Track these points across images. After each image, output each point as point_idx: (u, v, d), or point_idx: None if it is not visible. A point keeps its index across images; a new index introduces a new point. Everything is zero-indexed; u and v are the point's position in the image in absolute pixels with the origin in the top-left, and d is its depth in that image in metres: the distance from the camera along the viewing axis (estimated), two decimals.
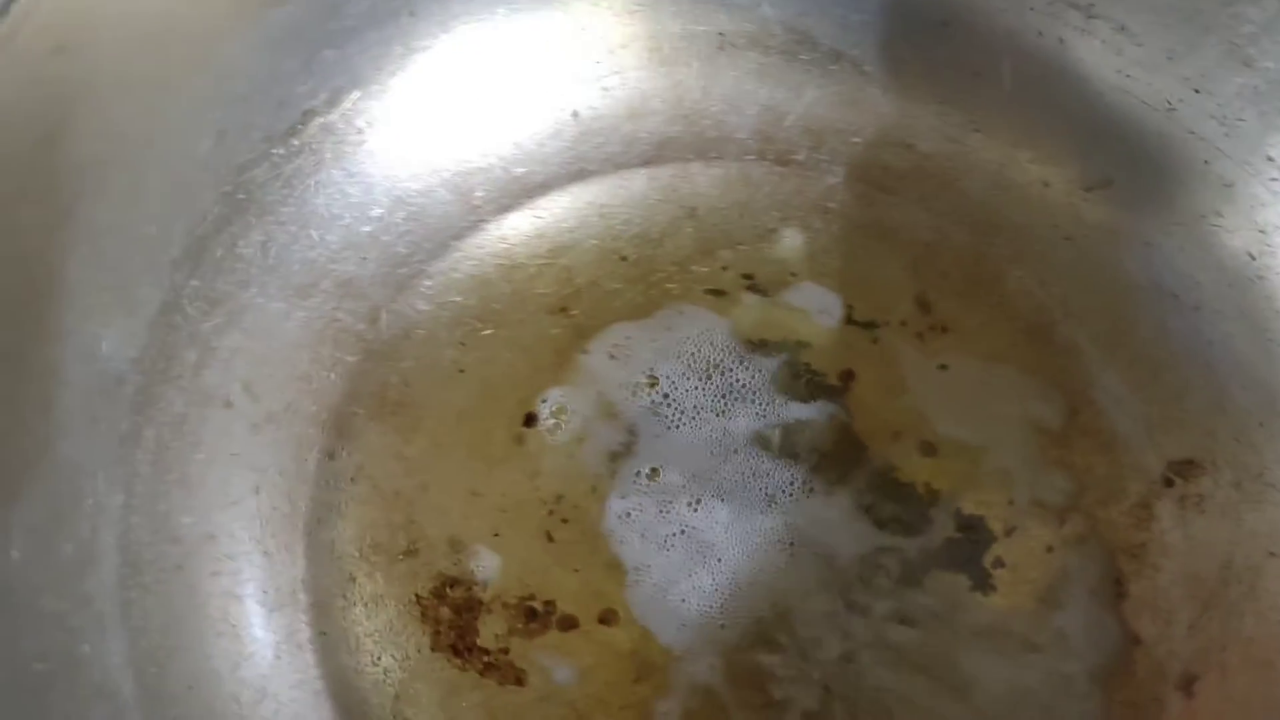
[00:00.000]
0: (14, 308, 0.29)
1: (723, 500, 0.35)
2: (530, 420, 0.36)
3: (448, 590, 0.34)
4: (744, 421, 0.36)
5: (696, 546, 0.35)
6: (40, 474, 0.29)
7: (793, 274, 0.39)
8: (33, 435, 0.29)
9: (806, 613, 0.34)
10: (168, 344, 0.33)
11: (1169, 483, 0.36)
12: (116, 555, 0.30)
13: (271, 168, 0.35)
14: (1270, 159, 0.36)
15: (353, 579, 0.34)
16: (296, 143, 0.36)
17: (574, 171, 0.40)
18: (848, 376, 0.37)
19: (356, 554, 0.34)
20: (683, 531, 0.35)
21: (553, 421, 0.36)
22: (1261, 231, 0.36)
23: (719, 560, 0.35)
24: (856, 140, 0.40)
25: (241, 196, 0.35)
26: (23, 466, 0.28)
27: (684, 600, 0.34)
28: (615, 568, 0.34)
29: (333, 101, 0.36)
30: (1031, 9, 0.38)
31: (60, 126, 0.29)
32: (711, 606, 0.34)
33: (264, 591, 0.33)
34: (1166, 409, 0.37)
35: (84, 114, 0.30)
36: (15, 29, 0.28)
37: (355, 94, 0.37)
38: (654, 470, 0.36)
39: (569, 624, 0.34)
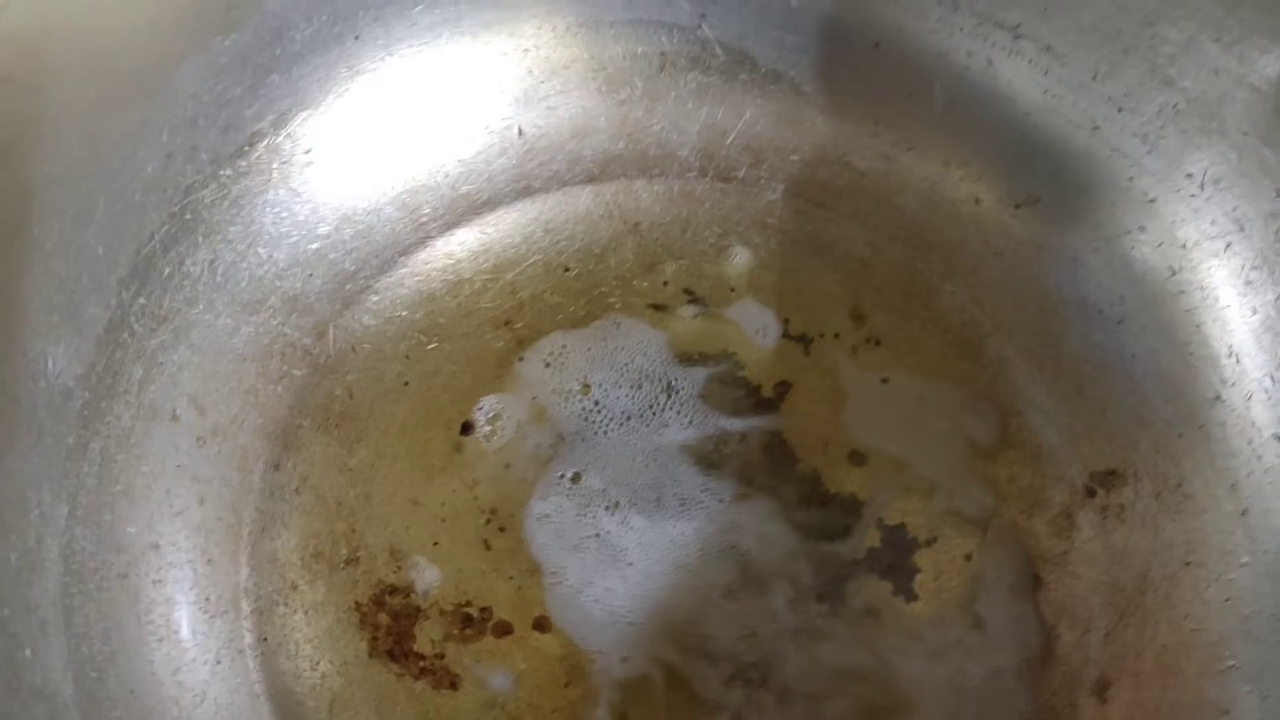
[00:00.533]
0: None
1: (637, 506, 0.36)
2: (467, 428, 0.37)
3: (387, 598, 0.35)
4: (673, 432, 0.37)
5: (610, 550, 0.36)
6: None
7: (732, 289, 0.40)
8: None
9: (724, 616, 0.35)
10: (115, 360, 0.34)
11: (1091, 493, 0.37)
12: (60, 564, 0.31)
13: (219, 188, 0.37)
14: (1190, 176, 0.37)
15: (294, 587, 0.35)
16: (244, 164, 0.37)
17: (520, 189, 0.41)
18: (782, 389, 0.38)
19: (299, 562, 0.36)
20: (597, 535, 0.36)
21: (488, 428, 0.37)
22: (1182, 247, 0.37)
23: (630, 564, 0.36)
24: (795, 158, 0.42)
25: (189, 216, 0.36)
26: None
27: (597, 601, 0.35)
28: (534, 571, 0.36)
29: (279, 124, 0.38)
30: (961, 31, 0.39)
31: (8, 151, 0.30)
32: (623, 608, 0.35)
33: (206, 599, 0.34)
34: (1090, 420, 0.38)
35: (32, 138, 0.31)
36: None
37: (302, 115, 0.38)
38: (576, 475, 0.37)
39: (504, 630, 0.36)
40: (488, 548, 0.36)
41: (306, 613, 0.35)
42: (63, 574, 0.31)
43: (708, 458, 0.37)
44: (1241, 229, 0.36)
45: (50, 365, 0.32)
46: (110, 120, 0.34)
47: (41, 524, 0.31)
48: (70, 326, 0.33)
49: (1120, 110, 0.38)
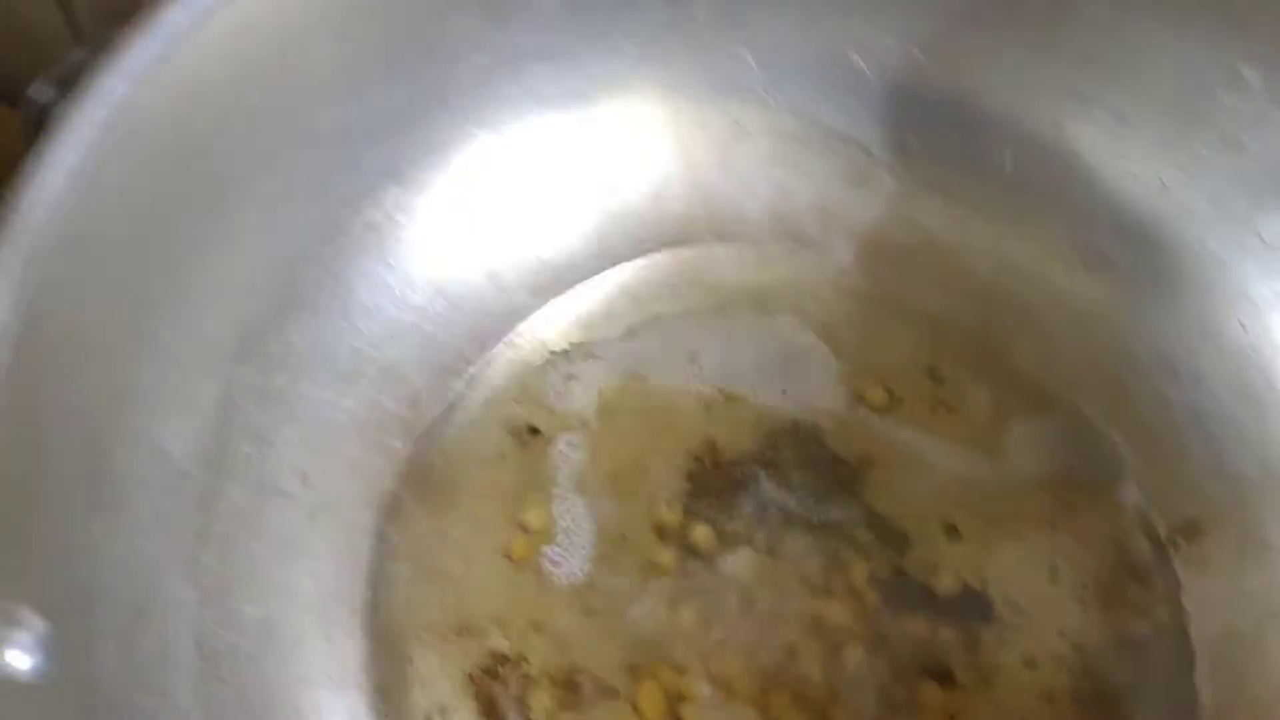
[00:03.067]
0: (91, 418, 0.30)
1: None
2: None
3: (499, 667, 0.36)
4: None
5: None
6: (122, 576, 0.30)
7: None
8: (116, 538, 0.30)
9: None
10: (226, 439, 0.35)
11: (1174, 545, 0.38)
12: (193, 650, 0.32)
13: (319, 264, 0.37)
14: (1260, 237, 0.38)
15: (409, 659, 0.36)
16: (343, 240, 0.38)
17: (603, 257, 0.42)
18: (863, 460, 0.39)
19: (410, 634, 0.36)
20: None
21: None
22: (1254, 304, 0.39)
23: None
24: (865, 219, 0.43)
25: (293, 294, 0.36)
26: (108, 569, 0.30)
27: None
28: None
29: (375, 199, 0.38)
30: (1030, 95, 0.40)
31: (136, 236, 0.31)
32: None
33: (327, 675, 0.34)
34: (1167, 475, 0.39)
35: (154, 223, 0.32)
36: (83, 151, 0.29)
37: (395, 191, 0.39)
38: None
39: (611, 694, 0.36)
40: (589, 614, 0.37)
41: (422, 684, 0.35)
42: (196, 660, 0.32)
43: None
44: None
45: (166, 446, 0.33)
46: (216, 208, 0.34)
47: (175, 610, 0.32)
48: (184, 408, 0.33)
49: (1190, 175, 0.39)
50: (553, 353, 0.40)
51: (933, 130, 0.42)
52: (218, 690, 0.32)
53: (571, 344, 0.41)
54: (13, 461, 0.25)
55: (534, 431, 0.39)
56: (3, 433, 0.25)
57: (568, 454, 0.39)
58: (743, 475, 0.39)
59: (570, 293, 0.41)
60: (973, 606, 0.37)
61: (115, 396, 0.31)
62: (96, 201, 0.27)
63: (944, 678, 0.37)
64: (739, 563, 0.38)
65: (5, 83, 0.44)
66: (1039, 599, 0.38)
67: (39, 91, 0.41)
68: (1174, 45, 0.38)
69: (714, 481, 0.39)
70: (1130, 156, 0.40)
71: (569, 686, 0.36)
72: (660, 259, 0.42)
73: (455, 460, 0.39)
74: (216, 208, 0.32)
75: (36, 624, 0.25)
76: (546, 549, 0.38)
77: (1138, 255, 0.40)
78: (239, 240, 0.34)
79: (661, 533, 0.38)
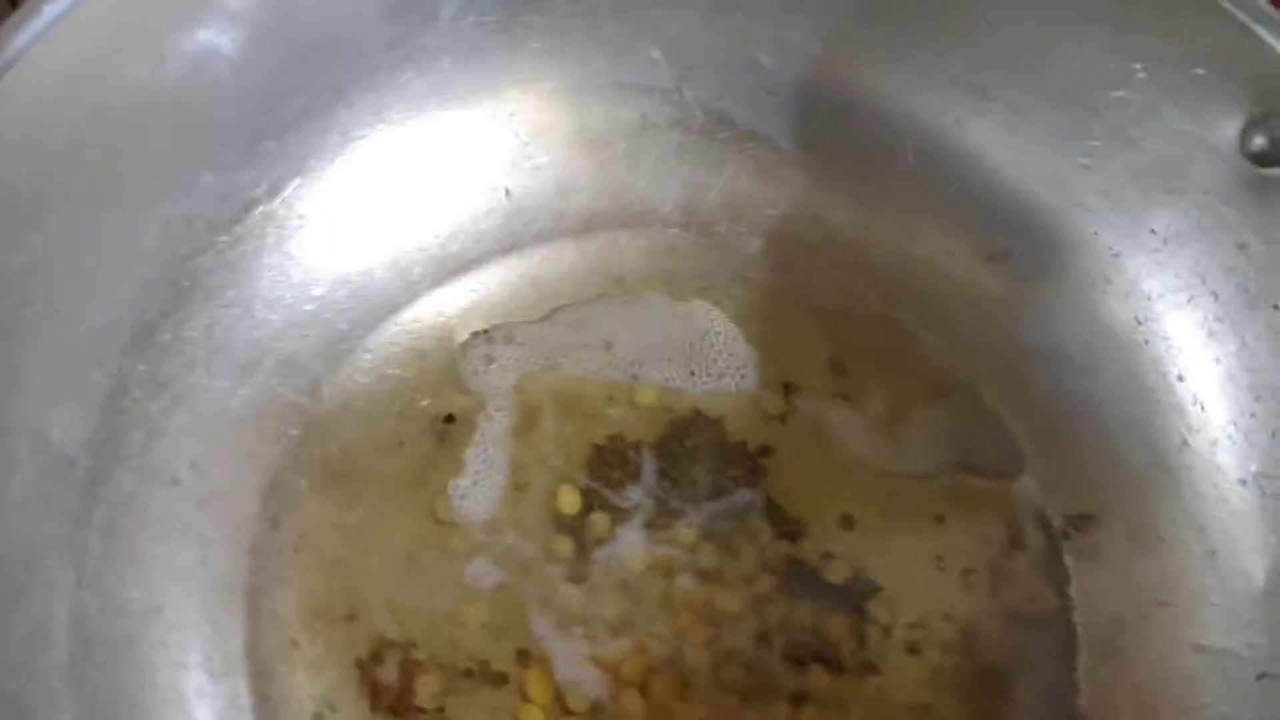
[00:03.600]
0: None
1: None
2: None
3: (386, 653, 0.36)
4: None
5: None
6: None
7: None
8: None
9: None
10: (117, 427, 0.35)
11: (1066, 535, 0.39)
12: (68, 632, 0.32)
13: (216, 255, 0.37)
14: (1153, 231, 0.39)
15: (295, 644, 0.36)
16: (239, 230, 0.38)
17: (507, 246, 0.42)
18: (763, 449, 0.40)
19: (298, 620, 0.36)
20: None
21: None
22: (1147, 299, 0.39)
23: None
24: (772, 213, 0.43)
25: (187, 284, 0.37)
26: None
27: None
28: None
29: (274, 190, 0.38)
30: (932, 91, 0.41)
31: (11, 229, 0.31)
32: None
33: (210, 660, 0.35)
34: (1064, 466, 0.39)
35: (31, 216, 0.32)
36: None
37: (295, 182, 0.39)
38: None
39: (500, 680, 0.36)
40: (479, 601, 0.37)
41: (308, 670, 0.36)
42: (71, 642, 0.32)
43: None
44: (1203, 282, 0.38)
45: (54, 434, 0.33)
46: (108, 196, 0.34)
47: (49, 593, 0.32)
48: (73, 396, 0.34)
49: (1086, 168, 0.39)
50: (457, 342, 0.41)
51: (838, 126, 0.42)
52: (92, 673, 0.32)
53: (474, 333, 0.41)
54: None
55: (449, 419, 0.40)
56: None
57: (468, 442, 0.39)
58: (643, 462, 0.40)
59: (474, 283, 0.41)
60: (863, 594, 0.38)
61: None
62: None
63: (832, 664, 0.37)
64: (633, 549, 0.38)
65: None
66: (928, 586, 0.38)
67: None
68: (1066, 40, 0.38)
69: (614, 468, 0.39)
70: (1027, 150, 0.40)
71: (457, 672, 0.36)
72: (566, 248, 0.42)
73: (354, 449, 0.39)
74: (104, 198, 0.33)
75: None
76: (442, 534, 0.38)
77: (1035, 248, 0.41)
78: (130, 232, 0.35)
79: (559, 521, 0.38)
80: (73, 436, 0.34)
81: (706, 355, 0.41)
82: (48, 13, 0.31)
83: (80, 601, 0.33)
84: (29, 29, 0.31)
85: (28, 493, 0.32)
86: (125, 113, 0.34)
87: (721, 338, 0.42)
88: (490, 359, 0.41)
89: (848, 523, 0.39)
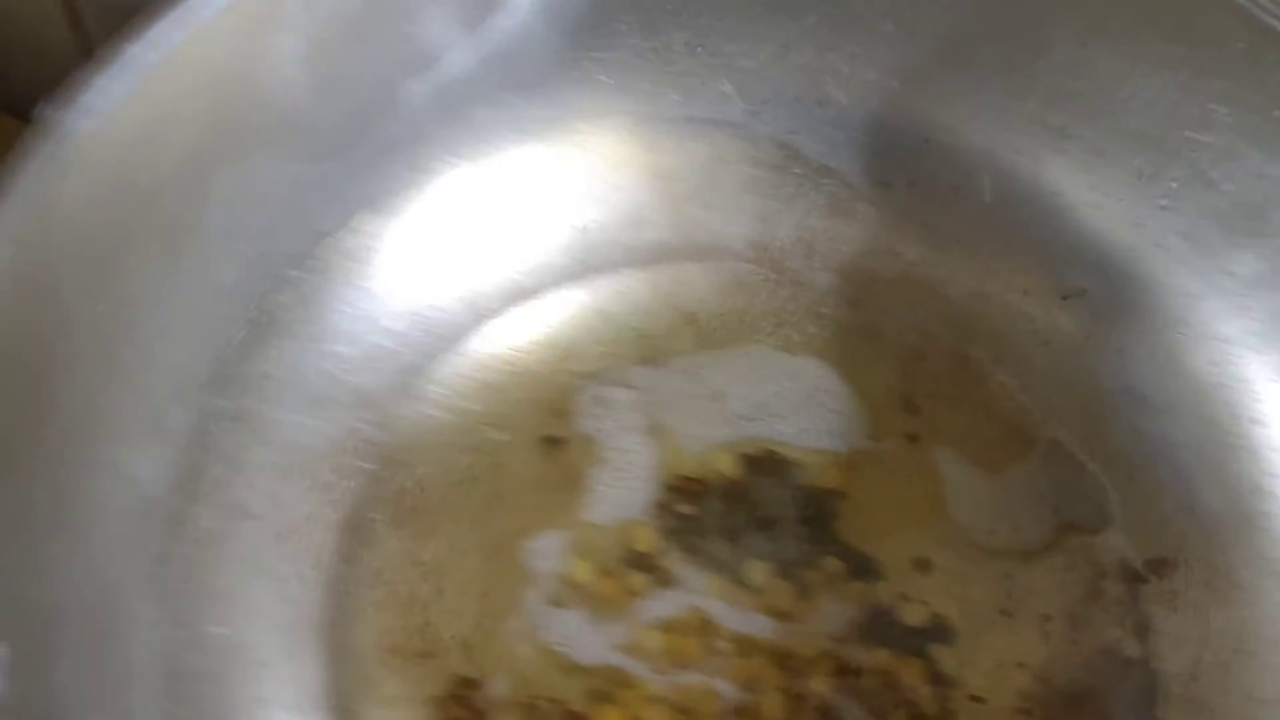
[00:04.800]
0: (59, 444, 0.31)
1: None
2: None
3: (462, 691, 0.36)
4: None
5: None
6: (82, 598, 0.31)
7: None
8: (76, 561, 0.31)
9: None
10: (197, 464, 0.35)
11: (1144, 581, 0.38)
12: (155, 670, 0.32)
13: (290, 290, 0.38)
14: (1232, 274, 0.38)
15: (371, 681, 0.36)
16: (312, 264, 0.38)
17: (577, 279, 0.42)
18: (837, 490, 0.39)
19: (374, 657, 0.36)
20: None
21: None
22: (1224, 341, 0.39)
23: None
24: (845, 248, 0.43)
25: (263, 319, 0.37)
26: (67, 591, 0.30)
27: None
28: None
29: (347, 224, 0.39)
30: (1009, 130, 0.40)
31: (94, 276, 0.31)
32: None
33: (289, 696, 0.35)
34: (1140, 508, 0.39)
35: (120, 259, 0.32)
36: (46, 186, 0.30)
37: (368, 216, 0.39)
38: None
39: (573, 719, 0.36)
40: (556, 639, 0.37)
41: (384, 706, 0.36)
42: (158, 679, 0.32)
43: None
44: None
45: (140, 473, 0.33)
46: (190, 235, 0.34)
47: (136, 630, 0.32)
48: (157, 434, 0.34)
49: (1164, 209, 0.39)
50: (531, 376, 0.41)
51: (912, 163, 0.42)
52: (179, 710, 0.32)
53: (545, 367, 0.41)
54: None
55: (554, 441, 0.40)
56: None
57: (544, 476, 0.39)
58: (718, 504, 0.39)
59: (545, 315, 0.41)
60: (940, 639, 0.38)
61: (81, 427, 0.32)
62: (59, 235, 0.28)
63: (910, 709, 0.37)
64: (707, 592, 0.38)
65: (17, 97, 0.45)
66: (1004, 632, 0.38)
67: (50, 108, 0.42)
68: (1145, 82, 0.38)
69: (690, 505, 0.39)
70: (1105, 191, 0.40)
71: (533, 711, 0.36)
72: (636, 281, 0.42)
73: (428, 484, 0.39)
74: (185, 238, 0.33)
75: None
76: (517, 570, 0.38)
77: (1112, 288, 0.40)
78: (210, 270, 0.35)
79: (634, 558, 0.38)
80: (156, 474, 0.34)
81: (776, 396, 0.41)
82: (130, 59, 0.31)
83: (167, 639, 0.33)
84: (110, 75, 0.31)
85: (117, 532, 0.32)
86: (207, 153, 0.34)
87: (792, 378, 0.42)
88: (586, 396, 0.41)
89: (923, 566, 0.39)
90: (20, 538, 0.29)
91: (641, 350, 0.42)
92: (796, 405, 0.41)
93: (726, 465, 0.40)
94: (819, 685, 0.37)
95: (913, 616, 0.38)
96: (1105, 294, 0.41)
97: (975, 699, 0.37)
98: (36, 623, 0.29)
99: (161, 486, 0.34)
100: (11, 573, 0.28)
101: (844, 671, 0.37)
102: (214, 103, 0.32)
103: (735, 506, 0.39)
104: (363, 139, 0.38)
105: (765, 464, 0.40)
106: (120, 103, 0.29)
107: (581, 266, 0.42)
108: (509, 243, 0.42)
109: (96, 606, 0.31)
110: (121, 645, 0.32)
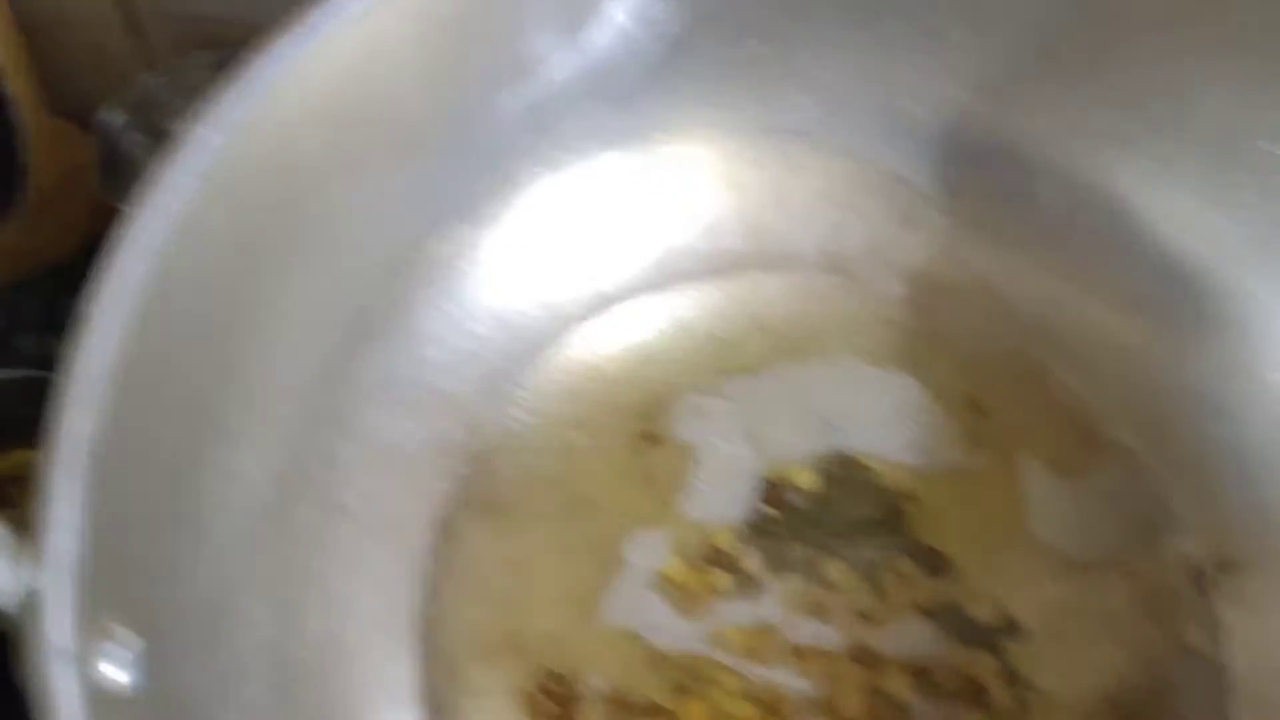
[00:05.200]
0: (177, 444, 0.32)
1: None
2: None
3: (551, 685, 0.37)
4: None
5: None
6: (202, 594, 0.32)
7: None
8: (198, 557, 0.32)
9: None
10: (300, 462, 0.36)
11: (1214, 583, 0.39)
12: (265, 665, 0.33)
13: (388, 298, 0.39)
14: None
15: (463, 676, 0.37)
16: (411, 274, 0.39)
17: (655, 286, 0.43)
18: (908, 494, 0.40)
19: (466, 652, 0.38)
20: None
21: None
22: None
23: None
24: (915, 256, 0.44)
25: (361, 324, 0.38)
26: (190, 588, 0.32)
27: None
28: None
29: (443, 235, 0.40)
30: (1078, 139, 0.41)
31: (221, 281, 0.33)
32: None
33: (386, 691, 0.36)
34: (1208, 513, 0.40)
35: (245, 268, 0.33)
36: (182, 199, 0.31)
37: (459, 224, 0.40)
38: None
39: (660, 714, 0.37)
40: (641, 633, 0.38)
41: (474, 699, 0.37)
42: (269, 674, 0.33)
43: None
44: None
45: (252, 472, 0.35)
46: (289, 250, 0.36)
47: (249, 626, 0.33)
48: (267, 434, 0.35)
49: (1234, 219, 0.40)
50: (612, 382, 0.42)
51: (983, 172, 0.43)
52: (285, 704, 0.34)
53: (630, 374, 0.42)
54: (111, 495, 0.27)
55: (651, 438, 0.41)
56: (103, 468, 0.27)
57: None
58: (798, 503, 0.40)
59: (624, 321, 0.42)
60: (1012, 636, 0.39)
61: (201, 428, 0.33)
62: (191, 248, 0.29)
63: (984, 706, 0.38)
64: (786, 590, 0.39)
65: (77, 104, 0.47)
66: (1077, 630, 0.38)
67: (110, 115, 0.43)
68: (1214, 91, 0.38)
69: (771, 506, 0.40)
70: (1174, 200, 0.41)
71: (619, 704, 0.37)
72: (711, 288, 0.43)
73: (516, 485, 0.40)
74: (299, 250, 0.34)
75: (133, 641, 0.27)
76: (603, 568, 0.39)
77: (1180, 296, 0.41)
78: (319, 278, 0.36)
79: (717, 557, 0.39)
80: (266, 473, 0.35)
81: (846, 401, 0.42)
82: (259, 73, 0.32)
83: (275, 634, 0.34)
84: (240, 89, 0.32)
85: (231, 530, 0.33)
86: (326, 165, 0.35)
87: (861, 384, 0.43)
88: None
89: (995, 567, 0.40)
90: (148, 536, 0.30)
91: (717, 358, 0.43)
92: (872, 413, 0.42)
93: (808, 473, 0.41)
94: (896, 683, 0.38)
95: (986, 615, 0.39)
96: (1173, 300, 0.41)
97: (1049, 697, 0.38)
98: (165, 618, 0.30)
99: (271, 485, 0.35)
100: (141, 570, 0.30)
101: (920, 670, 0.38)
102: (335, 116, 0.33)
103: (818, 511, 0.40)
104: (458, 149, 0.39)
105: (845, 470, 0.41)
106: (251, 116, 0.30)
107: (660, 275, 0.43)
108: (591, 251, 0.43)
109: (216, 603, 0.33)
110: (237, 641, 0.33)
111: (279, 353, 0.36)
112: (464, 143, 0.39)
